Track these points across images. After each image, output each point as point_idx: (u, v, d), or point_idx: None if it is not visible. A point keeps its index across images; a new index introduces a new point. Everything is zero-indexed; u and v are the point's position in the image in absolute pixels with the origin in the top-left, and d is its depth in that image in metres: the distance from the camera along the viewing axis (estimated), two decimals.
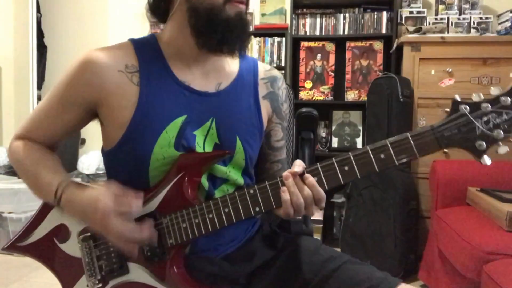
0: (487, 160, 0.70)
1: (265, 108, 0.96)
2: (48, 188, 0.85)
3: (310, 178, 0.75)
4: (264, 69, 0.98)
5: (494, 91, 0.70)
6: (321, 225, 2.76)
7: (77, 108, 0.87)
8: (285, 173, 0.76)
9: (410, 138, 0.72)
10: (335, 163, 0.75)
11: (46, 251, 0.92)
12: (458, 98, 0.72)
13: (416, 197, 2.36)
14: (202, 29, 0.82)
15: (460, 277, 1.64)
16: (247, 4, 0.85)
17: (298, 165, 0.77)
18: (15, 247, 0.94)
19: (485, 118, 0.70)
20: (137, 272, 0.84)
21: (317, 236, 2.73)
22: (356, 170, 0.74)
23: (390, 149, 0.73)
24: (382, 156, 0.73)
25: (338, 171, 0.75)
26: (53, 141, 0.93)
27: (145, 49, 0.87)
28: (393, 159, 0.73)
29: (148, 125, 0.83)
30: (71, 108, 0.87)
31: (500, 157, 0.72)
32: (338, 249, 2.38)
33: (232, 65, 0.93)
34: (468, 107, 0.71)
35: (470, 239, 1.55)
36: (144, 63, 0.86)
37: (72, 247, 0.90)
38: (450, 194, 2.06)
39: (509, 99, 0.69)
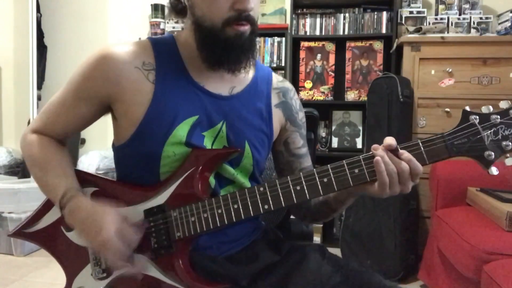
0: (494, 171, 0.73)
1: (277, 116, 0.96)
2: (54, 192, 0.86)
3: (406, 154, 0.74)
4: (277, 79, 0.99)
5: (504, 104, 0.73)
6: (321, 225, 2.76)
7: (92, 102, 0.88)
8: (375, 145, 0.75)
9: (420, 144, 0.73)
10: None
11: (53, 239, 0.92)
12: (468, 108, 0.74)
13: (416, 197, 2.36)
14: (203, 45, 0.84)
15: (460, 277, 1.65)
16: (252, 24, 0.83)
17: (391, 139, 0.75)
18: (22, 233, 0.95)
19: (494, 129, 0.72)
20: (142, 263, 0.84)
21: (317, 236, 2.73)
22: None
23: None
24: None
25: None
26: (67, 134, 0.94)
27: (162, 48, 0.88)
28: None
29: (160, 122, 0.83)
30: (86, 102, 0.88)
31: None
32: (338, 249, 2.38)
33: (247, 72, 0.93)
34: (478, 118, 0.73)
35: (470, 239, 1.55)
36: (161, 61, 0.86)
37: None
38: (450, 194, 2.06)
39: None
